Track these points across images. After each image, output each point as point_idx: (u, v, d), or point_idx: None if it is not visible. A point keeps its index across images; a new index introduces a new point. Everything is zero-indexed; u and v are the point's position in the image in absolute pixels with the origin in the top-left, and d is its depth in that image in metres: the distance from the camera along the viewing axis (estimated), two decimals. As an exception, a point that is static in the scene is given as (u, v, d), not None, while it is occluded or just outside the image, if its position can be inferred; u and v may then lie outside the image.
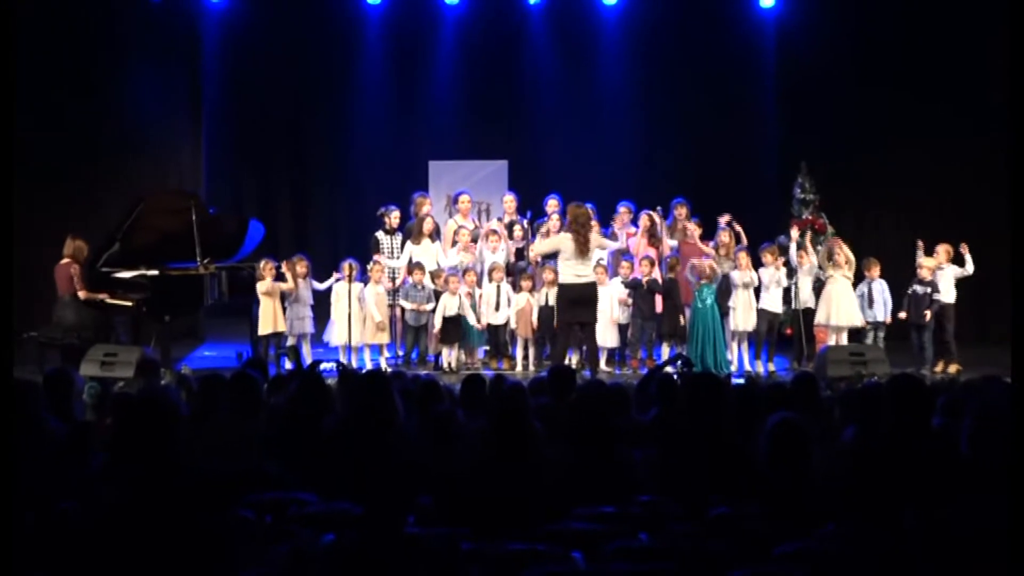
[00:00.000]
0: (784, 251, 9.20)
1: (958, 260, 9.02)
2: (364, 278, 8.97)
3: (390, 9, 11.78)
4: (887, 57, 10.98)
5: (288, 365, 8.12)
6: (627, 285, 8.86)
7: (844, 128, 11.13)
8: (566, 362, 8.45)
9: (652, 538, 3.17)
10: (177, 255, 8.52)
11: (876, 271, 8.98)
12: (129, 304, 8.36)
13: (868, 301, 8.91)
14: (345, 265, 8.81)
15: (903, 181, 11.00)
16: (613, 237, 9.22)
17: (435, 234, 9.33)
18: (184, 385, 5.66)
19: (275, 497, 3.52)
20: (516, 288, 9.00)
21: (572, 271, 8.17)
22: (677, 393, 4.60)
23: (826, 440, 3.99)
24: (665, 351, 8.91)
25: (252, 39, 11.66)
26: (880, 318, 8.90)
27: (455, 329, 8.82)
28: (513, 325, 8.98)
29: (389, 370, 7.52)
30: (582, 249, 8.10)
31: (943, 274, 8.92)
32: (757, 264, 8.95)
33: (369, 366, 8.73)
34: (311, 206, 12.26)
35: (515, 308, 8.89)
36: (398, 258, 9.20)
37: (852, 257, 8.93)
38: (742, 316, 8.77)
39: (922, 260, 8.91)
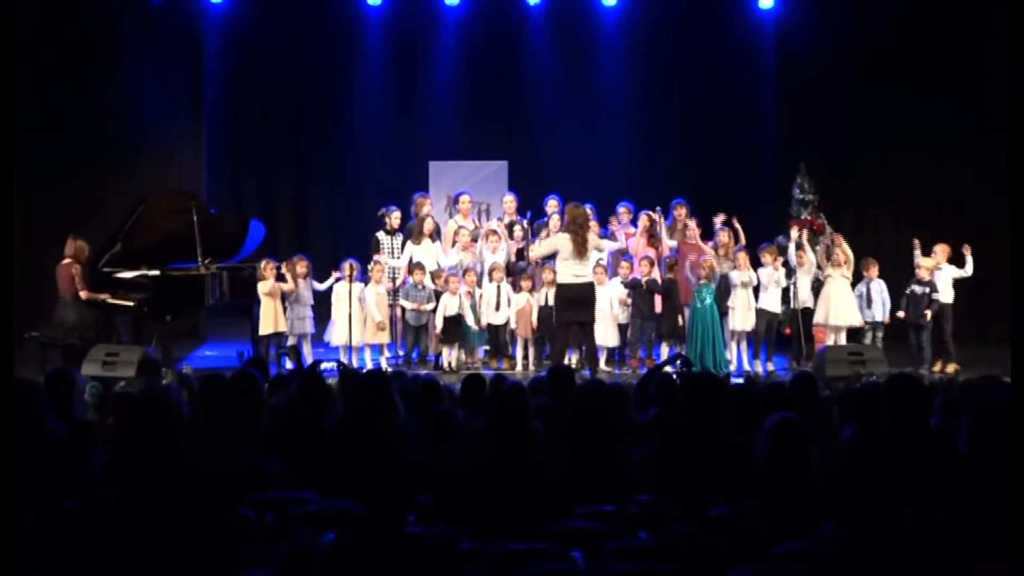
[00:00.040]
0: (783, 251, 9.22)
1: (957, 260, 9.04)
2: (365, 278, 8.99)
3: (390, 10, 11.80)
4: (886, 58, 11.00)
5: (289, 365, 8.13)
6: (626, 285, 8.88)
7: (843, 128, 11.15)
8: (566, 362, 8.46)
9: (652, 537, 3.18)
10: (178, 255, 8.53)
11: (874, 271, 8.99)
12: (130, 304, 8.36)
13: (867, 301, 8.92)
14: (346, 265, 8.83)
15: (902, 181, 11.02)
16: (612, 238, 9.24)
17: (435, 234, 9.34)
18: (185, 385, 5.67)
19: (276, 496, 3.54)
20: (516, 288, 9.02)
21: (570, 271, 8.18)
22: (676, 393, 4.61)
23: (825, 440, 3.99)
24: (664, 351, 8.93)
25: (253, 39, 11.67)
26: (879, 318, 8.91)
27: (455, 329, 8.83)
28: (513, 325, 8.99)
29: (389, 370, 7.54)
30: (580, 249, 8.12)
31: (941, 274, 8.93)
32: (756, 264, 8.96)
33: (370, 366, 8.74)
34: (312, 206, 12.27)
35: (515, 308, 8.91)
36: (399, 258, 9.22)
37: (851, 255, 8.94)
38: (741, 316, 8.78)
39: (920, 260, 8.92)
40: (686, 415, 4.10)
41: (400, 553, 2.79)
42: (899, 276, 9.17)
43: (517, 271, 9.22)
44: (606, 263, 8.96)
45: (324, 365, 6.03)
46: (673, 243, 9.24)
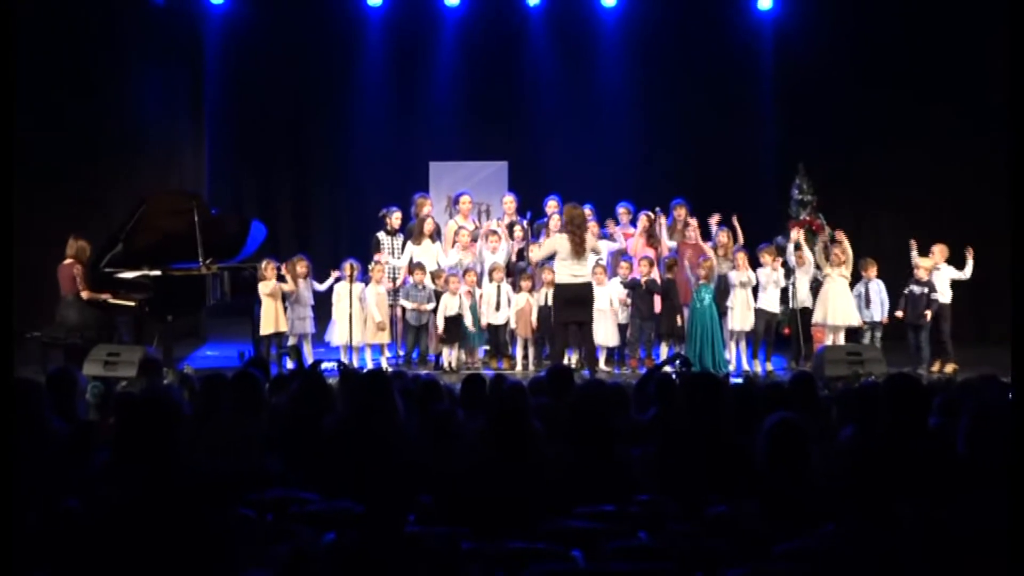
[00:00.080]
0: (782, 251, 9.23)
1: (957, 262, 9.05)
2: (365, 278, 9.00)
3: (391, 11, 11.82)
4: (885, 58, 11.01)
5: (290, 365, 8.15)
6: (625, 285, 8.89)
7: (842, 129, 11.17)
8: (565, 362, 8.48)
9: (651, 537, 3.18)
10: (179, 255, 8.54)
11: (873, 271, 9.00)
12: (132, 304, 8.37)
13: (865, 301, 8.93)
14: (346, 265, 8.85)
15: (901, 181, 11.03)
16: (611, 239, 9.26)
17: (436, 235, 9.36)
18: (186, 384, 5.68)
19: (276, 496, 3.54)
20: (516, 288, 9.03)
21: (568, 271, 8.20)
22: (676, 393, 4.61)
23: (824, 440, 4.00)
24: (664, 351, 8.94)
25: (254, 40, 11.69)
26: (877, 318, 8.92)
27: (456, 329, 8.85)
28: (513, 325, 9.01)
29: (390, 370, 7.54)
30: (578, 250, 8.14)
31: (939, 274, 8.95)
32: (755, 264, 8.97)
33: (370, 366, 8.75)
34: (312, 207, 12.30)
35: (515, 308, 8.92)
36: (399, 259, 9.24)
37: (851, 254, 8.95)
38: (740, 316, 8.79)
39: (919, 260, 8.93)
40: (685, 415, 4.11)
41: (400, 553, 2.80)
42: (898, 276, 9.18)
43: (517, 271, 9.24)
44: (605, 263, 8.97)
45: (325, 365, 6.04)
46: (673, 243, 9.26)
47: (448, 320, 8.80)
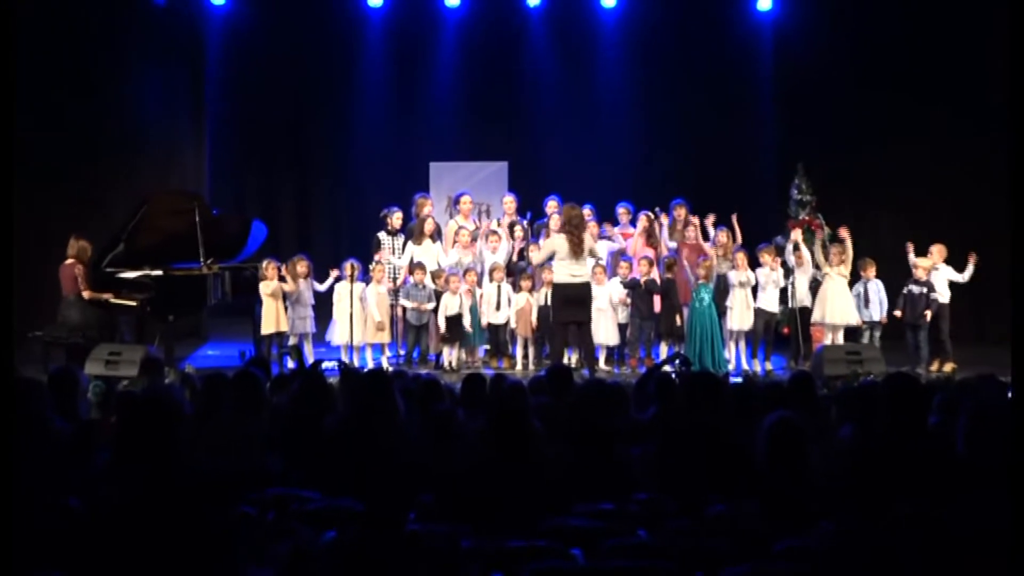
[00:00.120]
0: (781, 251, 9.25)
1: (956, 262, 9.06)
2: (366, 278, 9.02)
3: (391, 11, 11.84)
4: (884, 58, 11.03)
5: (290, 364, 8.16)
6: (625, 285, 8.90)
7: (841, 129, 11.18)
8: (565, 361, 8.49)
9: (650, 535, 3.20)
10: (181, 255, 8.56)
11: (872, 271, 9.02)
12: (133, 304, 8.39)
13: (864, 301, 8.95)
14: (347, 265, 8.87)
15: (900, 181, 11.05)
16: (609, 239, 9.29)
17: (436, 235, 9.38)
18: (188, 384, 5.69)
19: (277, 494, 3.55)
20: (516, 288, 9.05)
21: (567, 270, 8.21)
22: (675, 392, 4.63)
23: (823, 438, 4.01)
24: (663, 350, 8.95)
25: (254, 41, 11.71)
26: (876, 318, 8.93)
27: (456, 328, 8.87)
28: (513, 324, 9.03)
29: (390, 369, 7.56)
30: (576, 250, 8.15)
31: (938, 274, 8.96)
32: (755, 264, 8.99)
33: (371, 365, 8.77)
34: (313, 207, 12.32)
35: (515, 308, 8.94)
36: (400, 258, 9.26)
37: (851, 253, 8.96)
38: (739, 316, 8.80)
39: (917, 260, 8.95)
40: (685, 414, 4.13)
41: (400, 551, 2.81)
42: (897, 276, 9.18)
43: (517, 271, 9.25)
44: (605, 263, 8.99)
45: (325, 364, 6.05)
46: (673, 244, 9.28)
47: (449, 320, 8.82)
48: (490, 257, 9.18)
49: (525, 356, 9.07)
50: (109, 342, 8.09)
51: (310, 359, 8.12)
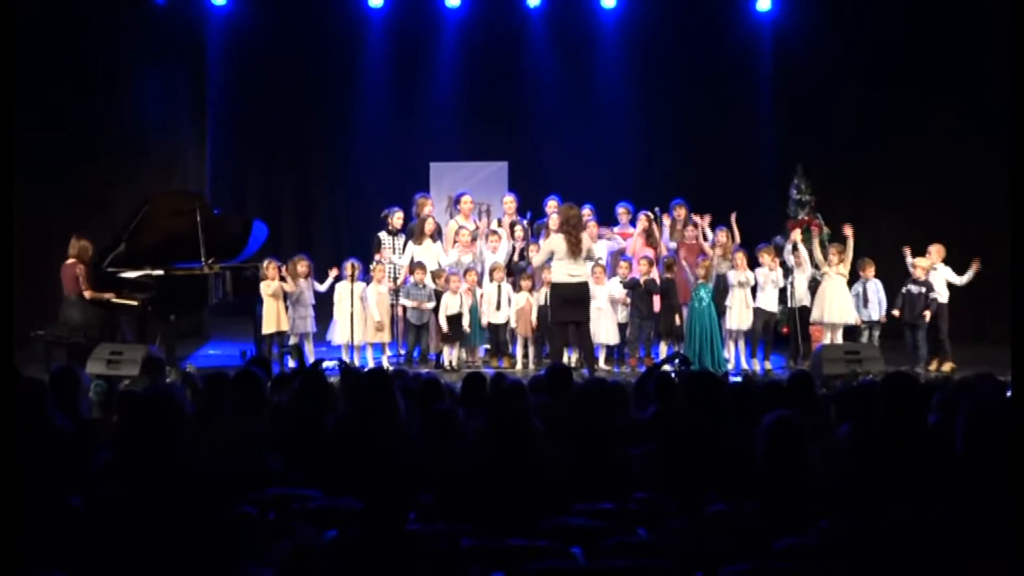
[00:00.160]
0: (780, 251, 9.27)
1: (955, 262, 9.07)
2: (367, 278, 9.04)
3: (392, 12, 11.85)
4: (883, 58, 11.04)
5: (291, 364, 8.18)
6: (625, 285, 8.92)
7: (840, 129, 11.20)
8: (564, 360, 8.50)
9: (650, 534, 3.21)
10: (182, 255, 8.57)
11: (871, 271, 9.04)
12: (135, 303, 8.40)
13: (863, 300, 8.96)
14: (348, 265, 8.90)
15: (899, 181, 11.06)
16: (607, 238, 9.33)
17: (436, 234, 9.39)
18: (189, 383, 5.70)
19: (278, 493, 3.56)
20: (516, 288, 9.06)
21: (565, 270, 8.22)
22: (675, 391, 4.64)
23: (822, 438, 4.01)
24: (663, 350, 8.97)
25: (255, 41, 11.72)
26: (875, 317, 8.95)
27: (456, 328, 8.89)
28: (513, 324, 9.04)
29: (391, 368, 7.57)
30: (574, 250, 8.16)
31: (936, 274, 8.97)
32: (754, 264, 9.00)
33: (371, 365, 8.78)
34: (314, 207, 12.34)
35: (515, 307, 8.96)
36: (401, 257, 9.29)
37: (851, 252, 8.98)
38: (738, 315, 8.82)
39: (916, 260, 8.96)
40: (684, 413, 4.13)
41: (401, 550, 2.82)
42: (896, 276, 9.20)
43: (517, 271, 9.27)
44: (605, 263, 9.01)
45: (326, 364, 6.07)
46: (673, 244, 9.30)
47: (449, 319, 8.84)
48: (490, 257, 9.20)
49: (525, 356, 9.08)
50: (110, 341, 8.11)
51: (311, 358, 8.14)
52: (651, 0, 11.71)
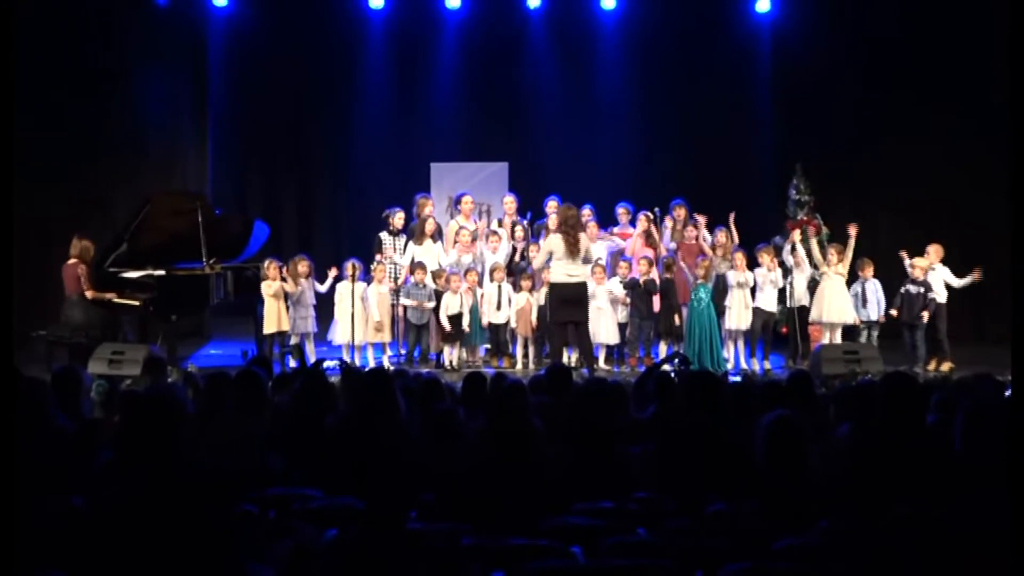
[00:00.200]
0: (779, 251, 9.28)
1: (953, 262, 9.09)
2: (367, 278, 9.06)
3: (392, 14, 11.87)
4: (882, 59, 11.06)
5: (292, 363, 8.19)
6: (625, 285, 8.94)
7: (839, 129, 11.23)
8: (564, 360, 8.51)
9: (650, 533, 3.21)
10: (183, 255, 8.58)
11: (869, 271, 9.05)
12: (136, 303, 8.41)
13: (862, 300, 8.97)
14: (349, 265, 8.92)
15: (898, 181, 11.08)
16: (609, 236, 9.35)
17: (437, 235, 9.41)
18: (190, 383, 5.71)
19: (279, 493, 3.57)
20: (516, 288, 9.08)
21: (564, 270, 8.23)
22: (675, 391, 4.64)
23: (821, 437, 4.02)
24: (663, 349, 8.98)
25: (257, 42, 11.75)
26: (874, 317, 8.96)
27: (457, 328, 8.90)
28: (513, 324, 9.06)
29: (391, 368, 7.58)
30: (572, 250, 8.17)
31: (935, 274, 8.98)
32: (754, 264, 9.01)
33: (372, 364, 8.80)
34: (315, 207, 12.36)
35: (515, 307, 8.97)
36: (402, 256, 9.31)
37: (851, 252, 8.99)
38: (737, 315, 8.84)
39: (915, 260, 8.97)
40: (684, 413, 4.14)
41: (401, 550, 2.83)
42: (895, 276, 9.21)
43: (517, 271, 9.28)
44: (605, 263, 9.02)
45: (327, 364, 6.08)
46: (673, 244, 9.32)
47: (449, 319, 8.85)
48: (490, 257, 9.21)
49: (525, 355, 9.10)
50: (112, 341, 8.12)
51: (312, 358, 8.15)
52: (651, 1, 11.73)
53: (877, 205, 11.15)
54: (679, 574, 2.90)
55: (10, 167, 3.82)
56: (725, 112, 11.69)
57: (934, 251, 9.08)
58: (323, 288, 9.09)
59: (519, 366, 9.02)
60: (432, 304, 8.95)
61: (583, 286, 8.34)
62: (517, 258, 9.36)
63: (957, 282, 9.01)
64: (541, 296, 8.86)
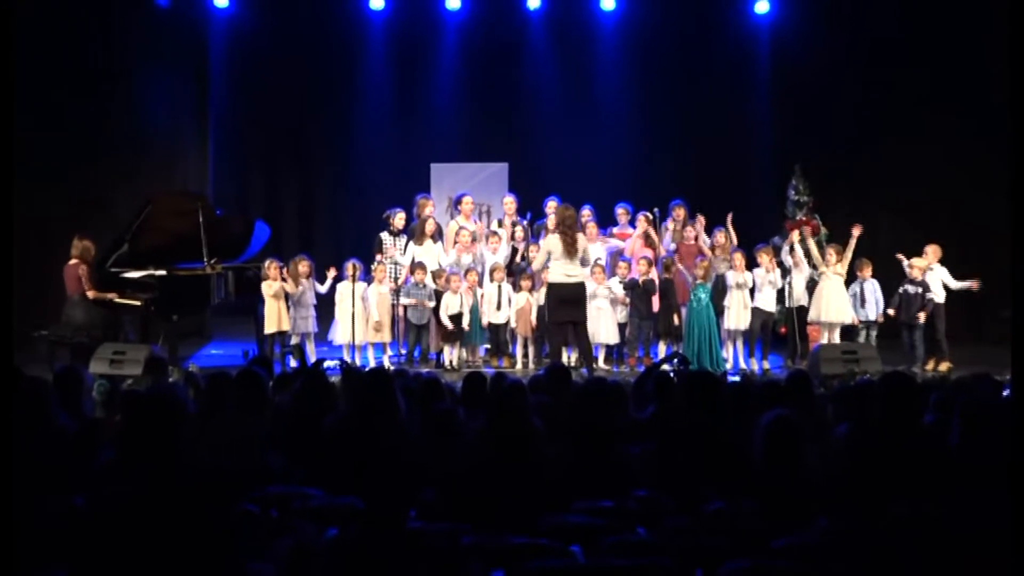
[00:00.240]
0: (778, 252, 9.29)
1: (952, 263, 9.09)
2: (368, 278, 9.07)
3: (393, 15, 11.90)
4: (880, 59, 11.08)
5: (293, 363, 8.21)
6: (624, 285, 8.95)
7: (838, 130, 11.25)
8: (564, 360, 8.53)
9: (649, 532, 3.22)
10: (185, 255, 8.59)
11: (868, 271, 9.06)
12: (137, 303, 8.43)
13: (860, 300, 8.98)
14: (349, 265, 8.94)
15: (898, 182, 11.10)
16: (610, 236, 9.35)
17: (437, 235, 9.42)
18: (191, 383, 5.73)
19: (280, 492, 3.58)
20: (516, 288, 9.09)
21: (562, 270, 8.24)
22: (674, 390, 4.65)
23: (819, 436, 4.04)
24: (662, 349, 8.99)
25: (258, 43, 11.77)
26: (872, 317, 8.97)
27: (457, 327, 8.92)
28: (513, 324, 9.07)
29: (391, 368, 7.59)
30: (570, 250, 8.18)
31: (933, 274, 8.99)
32: (753, 264, 9.02)
33: (372, 364, 8.81)
34: (315, 207, 12.39)
35: (515, 307, 8.98)
36: (403, 255, 9.33)
37: (850, 252, 9.00)
38: (736, 315, 8.85)
39: (913, 260, 8.98)
40: (683, 412, 4.15)
41: (401, 549, 2.84)
42: (893, 276, 9.21)
43: (517, 271, 9.29)
44: (604, 263, 9.04)
45: (327, 363, 6.09)
46: (673, 245, 9.33)
47: (450, 318, 8.87)
48: (490, 257, 9.23)
49: (525, 355, 9.11)
50: (113, 341, 8.13)
51: (312, 358, 8.16)
52: (650, 2, 11.75)
53: (876, 205, 11.16)
54: (679, 573, 2.91)
55: (10, 167, 3.84)
56: (724, 113, 11.70)
57: (932, 251, 9.09)
58: (323, 289, 9.10)
59: (519, 366, 9.04)
60: (432, 303, 8.96)
61: (581, 286, 8.35)
62: (518, 259, 9.37)
63: (954, 284, 9.02)
64: (541, 296, 8.87)
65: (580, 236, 8.32)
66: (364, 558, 2.80)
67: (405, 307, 9.04)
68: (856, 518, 3.13)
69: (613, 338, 8.98)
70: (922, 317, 8.82)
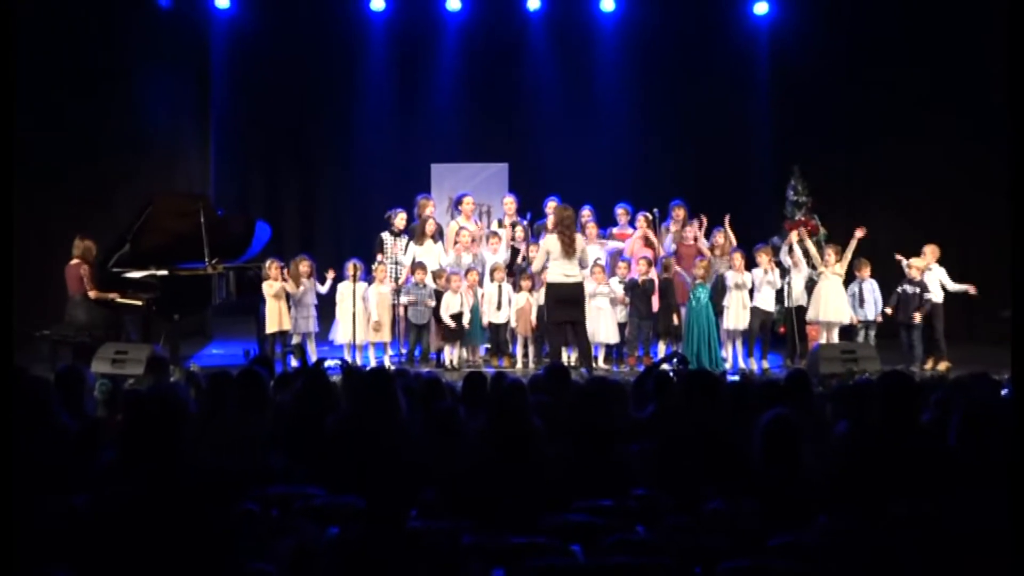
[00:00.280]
0: (777, 252, 9.30)
1: (951, 263, 9.10)
2: (369, 278, 9.09)
3: (393, 16, 11.92)
4: (880, 59, 11.09)
5: (294, 363, 8.22)
6: (624, 286, 8.96)
7: (837, 130, 11.27)
8: (564, 360, 8.53)
9: (649, 531, 3.23)
10: (186, 255, 8.61)
11: (867, 271, 9.07)
12: (139, 303, 8.44)
13: (859, 300, 8.99)
14: (350, 265, 8.96)
15: (897, 182, 11.11)
16: (610, 236, 9.34)
17: (437, 235, 9.44)
18: (193, 382, 5.74)
19: (281, 491, 3.59)
20: (516, 288, 9.11)
21: (561, 270, 8.25)
22: (673, 390, 4.66)
23: (818, 436, 4.04)
24: (661, 349, 9.01)
25: (259, 44, 11.80)
26: (871, 317, 8.98)
27: (457, 327, 8.93)
28: (513, 324, 9.08)
29: (392, 368, 7.60)
30: (568, 250, 8.19)
31: (931, 274, 9.00)
32: (752, 264, 9.03)
33: (373, 364, 8.82)
34: (316, 207, 12.40)
35: (515, 307, 9.00)
36: (404, 254, 9.34)
37: (850, 253, 9.01)
38: (735, 315, 8.86)
39: (911, 260, 8.98)
40: (683, 412, 4.16)
41: (402, 548, 2.85)
42: (892, 276, 9.22)
43: (517, 271, 9.31)
44: (604, 263, 9.05)
45: (328, 363, 6.09)
46: (673, 246, 9.34)
47: (451, 317, 8.88)
48: (491, 257, 9.24)
49: (525, 355, 9.12)
50: (115, 341, 8.14)
51: (313, 358, 8.17)
52: (650, 3, 11.76)
53: (876, 205, 11.18)
54: (678, 571, 2.92)
55: (10, 167, 3.85)
56: (724, 113, 11.72)
57: (930, 251, 9.10)
58: (323, 290, 9.12)
59: (519, 365, 9.05)
60: (433, 302, 8.98)
61: (579, 286, 8.36)
62: (519, 259, 9.38)
63: (952, 285, 9.03)
64: (541, 296, 8.88)
65: (578, 237, 8.33)
66: (365, 557, 2.81)
67: (405, 307, 9.05)
68: (855, 517, 3.14)
69: (613, 338, 8.99)
70: (917, 317, 8.82)
